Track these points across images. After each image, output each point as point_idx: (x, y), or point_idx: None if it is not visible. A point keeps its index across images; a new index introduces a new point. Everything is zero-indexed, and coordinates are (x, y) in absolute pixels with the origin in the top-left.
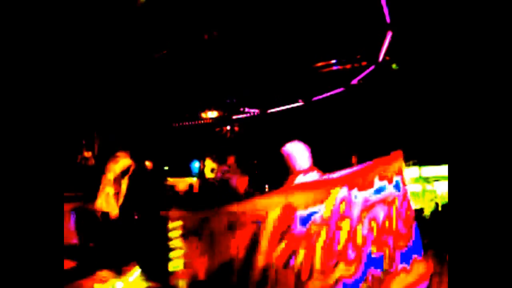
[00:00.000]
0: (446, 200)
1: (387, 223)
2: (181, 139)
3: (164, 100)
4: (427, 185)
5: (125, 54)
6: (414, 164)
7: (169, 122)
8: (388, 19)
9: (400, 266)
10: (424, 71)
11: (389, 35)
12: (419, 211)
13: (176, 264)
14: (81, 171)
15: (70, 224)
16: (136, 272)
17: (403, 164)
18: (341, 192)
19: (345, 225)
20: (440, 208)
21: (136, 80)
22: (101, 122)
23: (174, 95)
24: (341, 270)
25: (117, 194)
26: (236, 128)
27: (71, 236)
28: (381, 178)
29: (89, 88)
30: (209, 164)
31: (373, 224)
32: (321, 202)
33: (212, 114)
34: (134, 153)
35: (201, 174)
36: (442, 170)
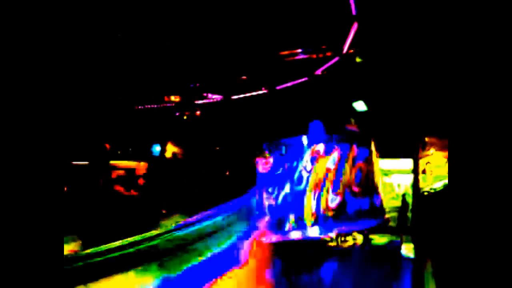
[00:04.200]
0: (401, 191)
1: None
2: (142, 122)
3: (127, 82)
4: (384, 177)
5: (87, 34)
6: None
7: (131, 105)
8: (354, 11)
9: None
10: (388, 65)
11: (354, 27)
12: None
13: None
14: None
15: None
16: None
17: None
18: None
19: None
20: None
21: (98, 61)
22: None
23: (138, 78)
24: None
25: None
26: (198, 113)
27: None
28: None
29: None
30: (170, 148)
31: None
32: None
33: (175, 98)
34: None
35: (162, 157)
36: (399, 163)
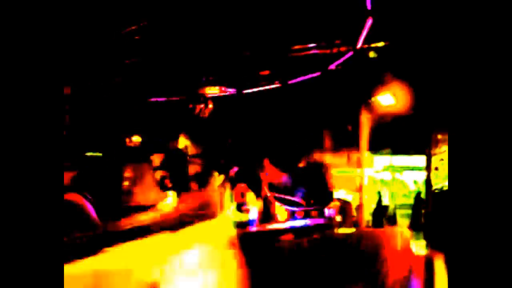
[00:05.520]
0: (414, 189)
1: None
2: (156, 115)
3: (140, 75)
4: (396, 174)
5: (97, 28)
6: (387, 153)
7: (144, 97)
8: (369, 6)
9: None
10: (403, 60)
11: (369, 22)
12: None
13: None
14: None
15: None
16: None
17: None
18: None
19: None
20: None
21: (111, 53)
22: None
23: (151, 70)
24: None
25: None
26: (211, 106)
27: None
28: None
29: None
30: (183, 141)
31: None
32: None
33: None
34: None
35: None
36: (412, 160)
